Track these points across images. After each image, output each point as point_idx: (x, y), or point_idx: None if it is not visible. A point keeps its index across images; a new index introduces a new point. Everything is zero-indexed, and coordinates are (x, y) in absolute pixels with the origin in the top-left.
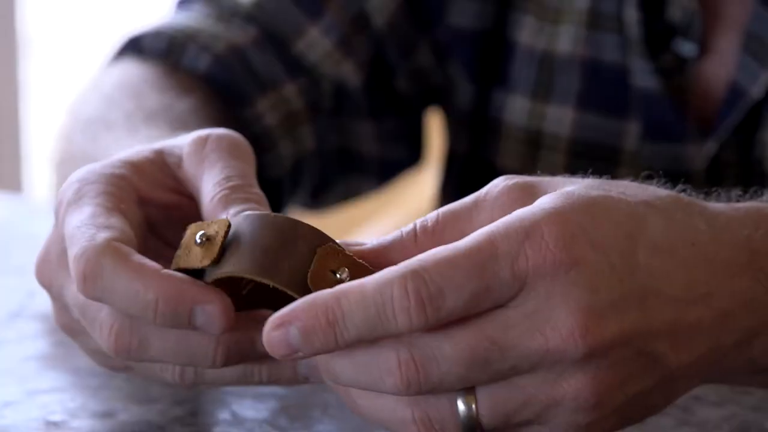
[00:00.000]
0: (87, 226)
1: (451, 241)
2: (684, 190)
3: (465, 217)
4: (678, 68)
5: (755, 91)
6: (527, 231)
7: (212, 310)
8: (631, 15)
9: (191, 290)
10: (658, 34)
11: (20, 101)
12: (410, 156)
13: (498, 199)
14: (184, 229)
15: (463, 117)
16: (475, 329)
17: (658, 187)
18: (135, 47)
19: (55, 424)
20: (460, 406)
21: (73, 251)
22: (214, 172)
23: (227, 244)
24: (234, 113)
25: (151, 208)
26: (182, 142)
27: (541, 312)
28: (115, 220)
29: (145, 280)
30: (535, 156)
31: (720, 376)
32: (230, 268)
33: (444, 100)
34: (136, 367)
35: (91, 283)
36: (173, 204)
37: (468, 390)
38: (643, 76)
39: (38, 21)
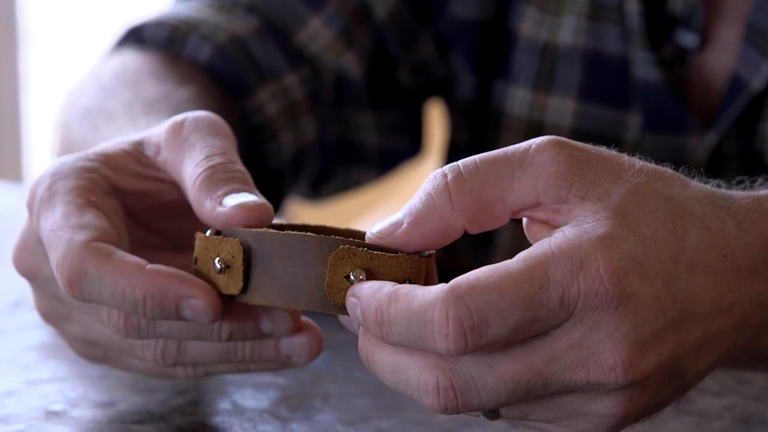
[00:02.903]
0: (62, 229)
1: (488, 204)
2: (719, 185)
3: (506, 176)
4: (679, 59)
5: (756, 83)
6: (582, 261)
7: (197, 304)
8: (632, 6)
9: (176, 285)
10: (659, 25)
11: (21, 92)
12: (410, 147)
13: (544, 167)
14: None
15: (464, 108)
16: (520, 361)
17: (697, 182)
18: (135, 37)
19: (55, 413)
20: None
21: (55, 258)
22: (195, 153)
23: (247, 270)
24: (234, 103)
25: (128, 198)
26: (159, 130)
27: (586, 345)
28: (89, 217)
29: (130, 279)
30: None
31: (723, 366)
32: (259, 300)
33: (445, 92)
34: (114, 358)
35: (78, 288)
36: (153, 191)
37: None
38: (644, 68)
39: (39, 12)
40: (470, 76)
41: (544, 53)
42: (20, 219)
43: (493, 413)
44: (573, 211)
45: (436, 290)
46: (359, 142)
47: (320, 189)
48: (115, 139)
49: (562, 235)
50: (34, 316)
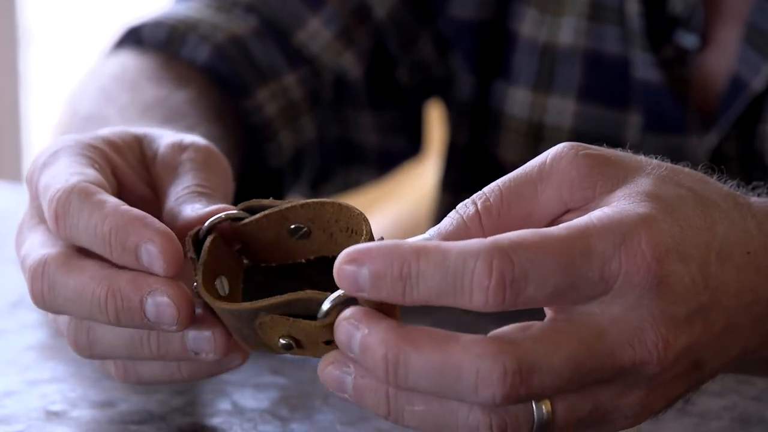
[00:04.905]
0: (60, 174)
1: (518, 223)
2: (736, 186)
3: (529, 193)
4: (679, 60)
5: (757, 84)
6: (624, 235)
7: (152, 249)
8: (633, 7)
9: (139, 226)
10: (660, 26)
11: (21, 92)
12: (410, 147)
13: (565, 173)
14: None
15: (464, 109)
16: (577, 338)
17: (717, 181)
18: (134, 37)
19: (55, 413)
20: (537, 412)
21: (47, 196)
22: (187, 178)
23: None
24: (233, 103)
25: (121, 188)
26: (160, 140)
27: (627, 321)
28: (90, 171)
29: (102, 214)
30: (537, 148)
31: (730, 371)
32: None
33: (445, 92)
34: None
35: (62, 222)
36: (141, 193)
37: (546, 399)
38: (644, 68)
39: (39, 12)
40: (470, 77)
41: (544, 54)
42: (20, 219)
43: (546, 426)
44: (604, 201)
45: (476, 242)
46: (359, 142)
47: (320, 189)
48: (116, 128)
49: (601, 212)
50: (34, 316)
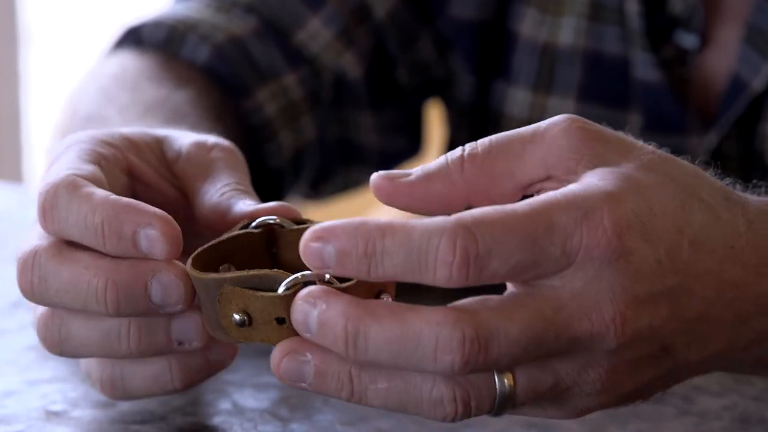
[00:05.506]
0: (56, 170)
1: (498, 178)
2: (733, 183)
3: (517, 152)
4: (679, 60)
5: (757, 84)
6: (586, 211)
7: (153, 233)
8: (632, 7)
9: (133, 213)
10: (660, 26)
11: (21, 92)
12: (410, 147)
13: (555, 140)
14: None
15: (463, 109)
16: (533, 310)
17: (712, 176)
18: (134, 38)
19: (55, 413)
20: (499, 384)
21: (38, 191)
22: (224, 176)
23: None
24: (233, 103)
25: (141, 186)
26: (183, 140)
27: (587, 295)
28: (86, 166)
29: (92, 205)
30: None
31: (723, 369)
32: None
33: (444, 92)
34: None
35: (49, 215)
36: (165, 191)
37: (506, 369)
38: (644, 68)
39: (39, 12)
40: (469, 77)
41: (544, 54)
42: (20, 219)
43: (507, 400)
44: (582, 178)
45: (440, 220)
46: (359, 142)
47: (320, 189)
48: (134, 128)
49: (569, 188)
50: None
